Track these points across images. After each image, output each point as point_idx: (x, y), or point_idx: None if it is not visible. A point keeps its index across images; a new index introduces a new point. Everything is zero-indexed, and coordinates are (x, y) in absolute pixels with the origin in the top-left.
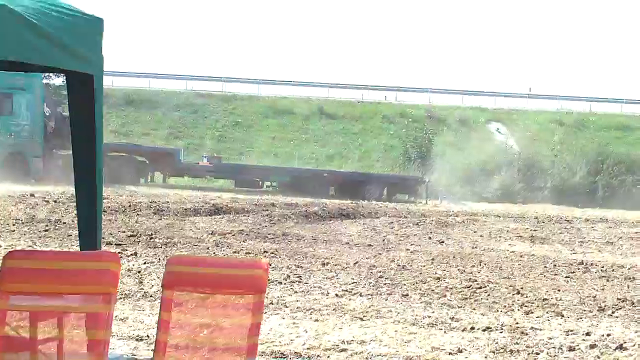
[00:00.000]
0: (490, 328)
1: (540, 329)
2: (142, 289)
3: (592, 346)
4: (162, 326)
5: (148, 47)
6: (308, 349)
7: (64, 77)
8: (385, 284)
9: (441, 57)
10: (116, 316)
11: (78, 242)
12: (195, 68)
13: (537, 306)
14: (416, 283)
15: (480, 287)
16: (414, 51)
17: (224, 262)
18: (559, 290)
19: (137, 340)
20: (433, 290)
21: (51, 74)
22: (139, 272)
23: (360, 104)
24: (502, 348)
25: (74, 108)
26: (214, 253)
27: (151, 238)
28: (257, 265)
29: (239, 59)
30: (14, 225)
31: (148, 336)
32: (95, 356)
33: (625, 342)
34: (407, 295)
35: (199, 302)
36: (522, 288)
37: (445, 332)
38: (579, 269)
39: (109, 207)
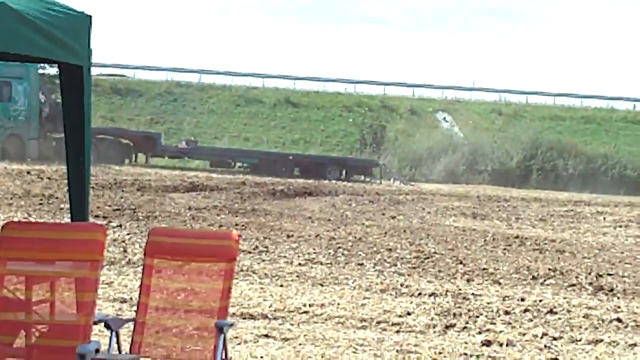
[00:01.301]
0: (436, 294)
1: (480, 295)
2: (126, 256)
3: (526, 310)
4: (144, 290)
5: (133, 41)
6: (274, 310)
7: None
8: (343, 254)
9: (394, 52)
10: (103, 281)
11: (69, 214)
12: (175, 61)
13: (478, 275)
14: (370, 253)
15: (427, 258)
16: (370, 47)
17: (200, 233)
18: (497, 261)
19: (121, 302)
20: (385, 260)
21: (46, 65)
22: (124, 241)
23: (323, 94)
24: (446, 311)
25: (66, 96)
26: (191, 225)
27: (134, 212)
28: (229, 236)
29: (214, 53)
30: (11, 199)
31: (131, 299)
32: (83, 316)
33: (555, 307)
34: (362, 264)
35: (177, 269)
36: (464, 259)
37: (395, 297)
38: (515, 242)
39: (97, 184)
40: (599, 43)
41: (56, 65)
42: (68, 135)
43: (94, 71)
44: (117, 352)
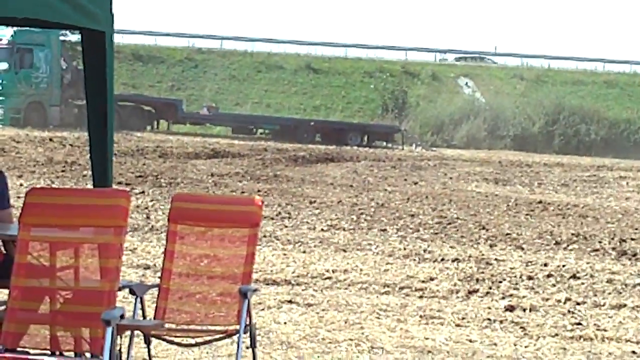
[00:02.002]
0: (459, 259)
1: (503, 260)
2: (149, 223)
3: (549, 275)
4: (168, 256)
5: (154, 7)
6: (297, 276)
7: (79, 34)
8: (366, 220)
9: (417, 18)
10: (126, 247)
11: (92, 181)
12: (196, 27)
13: (500, 240)
14: (393, 219)
15: (450, 223)
16: (392, 12)
17: (223, 199)
18: (520, 226)
19: (145, 268)
20: (408, 226)
21: (67, 32)
22: (147, 208)
23: (344, 59)
24: (469, 277)
25: (88, 62)
26: (213, 192)
27: (157, 178)
28: (252, 202)
29: (236, 19)
30: (34, 166)
31: (155, 265)
32: (107, 282)
33: (578, 272)
34: (384, 230)
35: (200, 235)
36: (487, 224)
37: (418, 262)
38: (537, 207)
39: (119, 150)
40: (621, 7)
41: (78, 31)
42: (90, 102)
43: (116, 37)
44: (142, 318)
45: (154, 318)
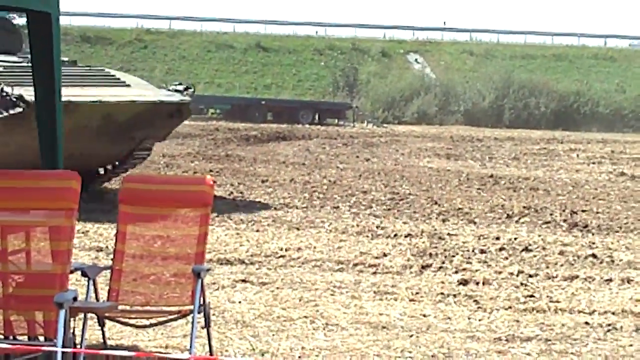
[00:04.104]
0: (411, 235)
1: (455, 235)
2: (100, 205)
3: (501, 249)
4: (120, 238)
5: None
6: (251, 255)
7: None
8: (318, 197)
9: None
10: (78, 230)
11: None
12: (144, 8)
13: (452, 215)
14: (345, 196)
15: (402, 199)
16: None
17: (174, 179)
18: (472, 201)
19: (97, 250)
20: (360, 203)
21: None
22: (100, 190)
23: (294, 38)
24: (422, 252)
25: (35, 44)
26: (165, 172)
27: None
28: (204, 182)
29: None
30: None
31: (107, 247)
32: (59, 264)
33: (530, 245)
34: (337, 207)
35: (152, 215)
36: (439, 199)
37: (371, 239)
38: (489, 181)
39: None
40: None
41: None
42: (38, 84)
43: (64, 20)
44: (95, 300)
45: (107, 300)
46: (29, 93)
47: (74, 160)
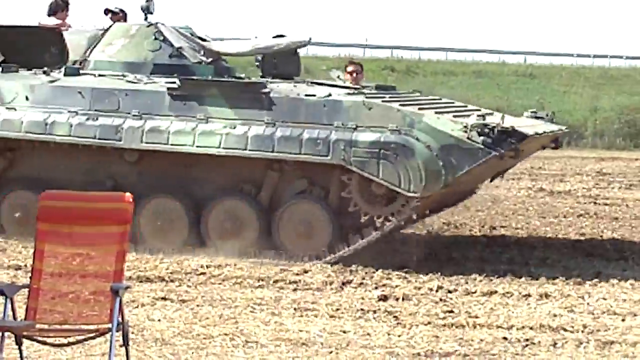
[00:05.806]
0: None
1: None
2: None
3: (421, 264)
4: (37, 256)
5: None
6: (171, 273)
7: None
8: None
9: (285, 9)
10: None
11: None
12: None
13: None
14: None
15: None
16: (261, 5)
17: (93, 197)
18: None
19: (15, 269)
20: None
21: None
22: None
23: None
24: (342, 268)
25: None
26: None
27: None
28: (122, 199)
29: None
30: None
31: (26, 265)
32: None
33: (449, 260)
34: None
35: (70, 233)
36: None
37: None
38: None
39: None
40: None
41: None
42: None
43: None
44: (13, 319)
45: (25, 319)
46: None
47: None
